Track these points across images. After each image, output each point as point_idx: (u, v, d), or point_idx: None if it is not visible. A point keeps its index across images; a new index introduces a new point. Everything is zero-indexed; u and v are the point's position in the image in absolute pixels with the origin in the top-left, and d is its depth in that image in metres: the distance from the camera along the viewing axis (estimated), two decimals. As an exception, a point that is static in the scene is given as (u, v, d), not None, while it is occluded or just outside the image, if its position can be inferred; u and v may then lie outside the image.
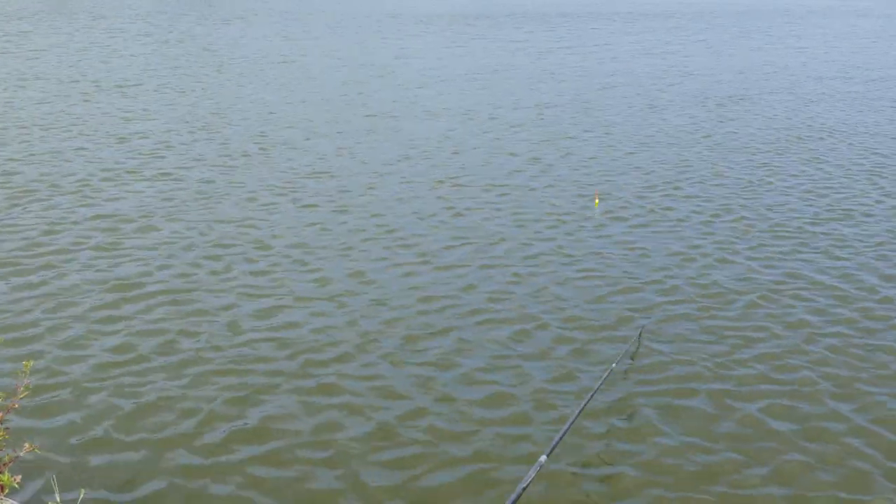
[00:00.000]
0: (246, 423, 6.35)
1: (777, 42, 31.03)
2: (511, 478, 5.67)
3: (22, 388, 5.16)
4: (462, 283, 8.89)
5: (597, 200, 11.20)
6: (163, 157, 13.65)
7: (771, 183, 12.72)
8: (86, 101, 18.04)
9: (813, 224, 10.88)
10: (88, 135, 15.03)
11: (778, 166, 13.62)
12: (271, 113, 17.29)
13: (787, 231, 10.60)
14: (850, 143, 15.24)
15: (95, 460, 5.88)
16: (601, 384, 6.25)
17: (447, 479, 5.75)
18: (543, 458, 5.14)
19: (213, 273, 9.07)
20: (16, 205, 11.18)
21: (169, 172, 12.79)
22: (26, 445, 4.98)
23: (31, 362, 5.39)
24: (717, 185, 12.55)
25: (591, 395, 6.00)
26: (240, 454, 5.99)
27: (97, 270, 9.07)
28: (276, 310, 8.20)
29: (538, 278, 9.04)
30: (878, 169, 13.58)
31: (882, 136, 15.91)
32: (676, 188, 12.36)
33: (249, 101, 18.41)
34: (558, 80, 21.94)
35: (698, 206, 11.58)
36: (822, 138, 15.61)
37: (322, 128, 16.01)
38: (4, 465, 4.95)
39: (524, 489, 4.91)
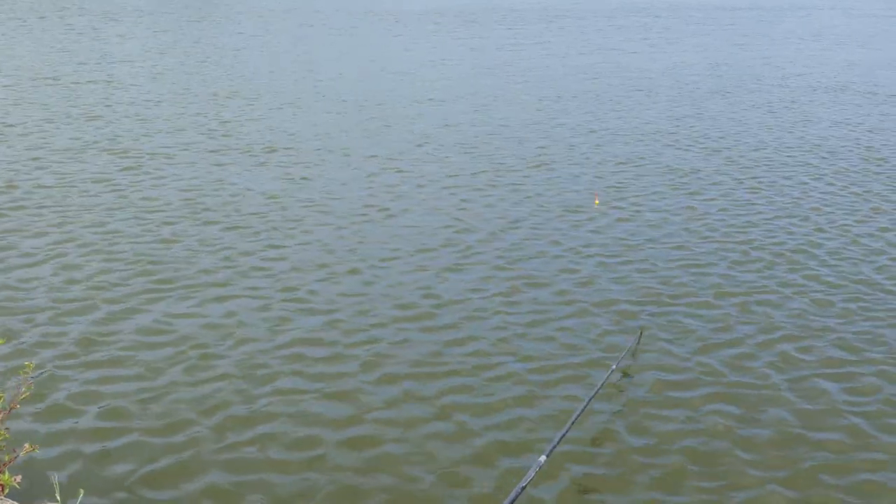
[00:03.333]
0: (251, 421, 6.37)
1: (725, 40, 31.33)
2: (509, 479, 5.74)
3: (24, 389, 5.16)
4: (454, 281, 8.94)
5: (597, 201, 11.20)
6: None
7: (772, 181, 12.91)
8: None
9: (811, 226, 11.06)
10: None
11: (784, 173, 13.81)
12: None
13: (786, 232, 10.81)
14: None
15: (95, 460, 5.88)
16: (602, 385, 6.32)
17: (443, 482, 5.81)
18: (543, 458, 5.21)
19: (216, 271, 9.08)
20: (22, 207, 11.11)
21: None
22: (26, 446, 4.97)
23: (33, 364, 5.38)
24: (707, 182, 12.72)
25: (593, 396, 6.07)
26: (243, 454, 6.01)
27: (97, 269, 9.03)
28: (298, 302, 8.23)
29: (534, 277, 9.13)
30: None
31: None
32: (672, 187, 12.51)
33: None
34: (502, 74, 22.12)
35: (695, 204, 11.77)
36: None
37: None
38: (4, 465, 4.95)
39: (523, 489, 4.99)
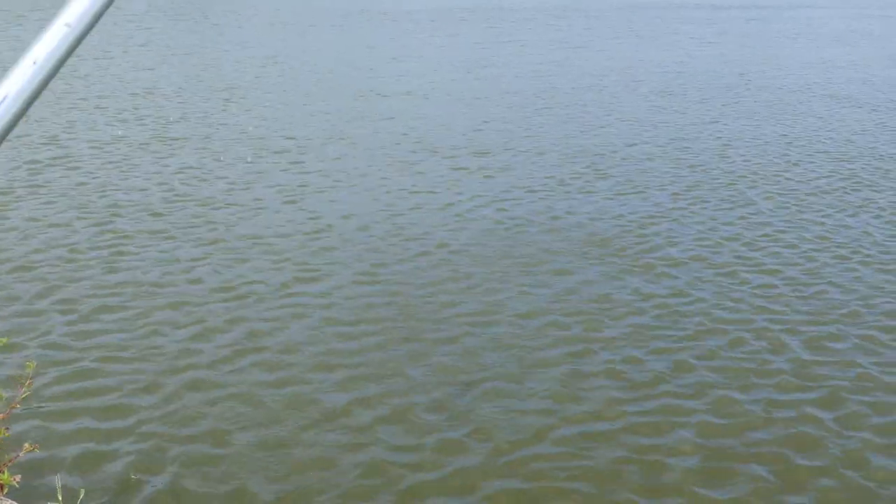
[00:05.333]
0: (247, 422, 6.36)
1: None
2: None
3: (24, 389, 5.16)
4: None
5: None
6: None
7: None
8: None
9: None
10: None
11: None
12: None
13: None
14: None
15: (96, 460, 5.87)
16: None
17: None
18: None
19: (207, 265, 9.08)
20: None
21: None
22: (26, 445, 4.99)
23: (34, 363, 5.38)
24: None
25: None
26: (241, 453, 6.01)
27: (100, 265, 9.03)
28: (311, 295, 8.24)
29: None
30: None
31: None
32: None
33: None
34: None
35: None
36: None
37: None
38: (4, 465, 4.95)
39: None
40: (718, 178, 13.01)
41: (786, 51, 28.49)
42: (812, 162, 14.10)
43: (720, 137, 15.76)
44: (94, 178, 12.17)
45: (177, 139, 14.64)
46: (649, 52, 27.12)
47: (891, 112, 18.33)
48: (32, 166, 12.61)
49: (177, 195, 11.54)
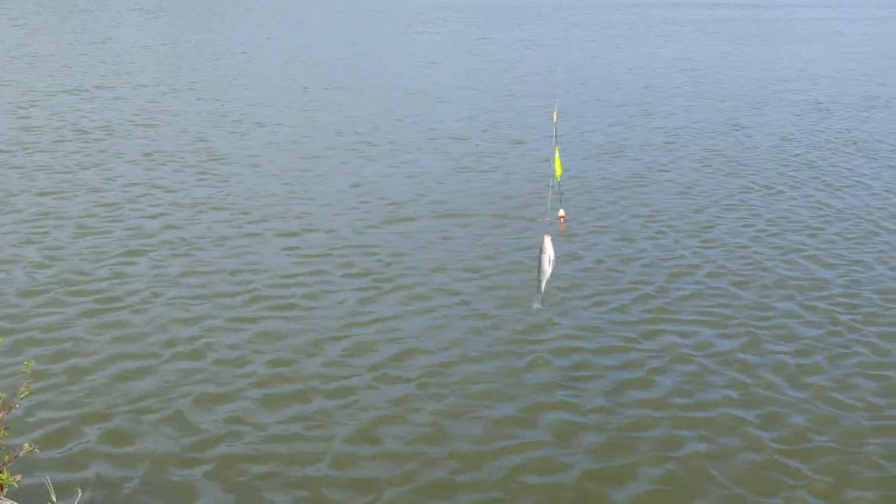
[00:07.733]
0: (242, 423, 6.39)
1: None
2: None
3: (23, 389, 5.14)
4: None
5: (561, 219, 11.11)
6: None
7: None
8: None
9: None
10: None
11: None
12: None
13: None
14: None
15: (94, 460, 5.87)
16: None
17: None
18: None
19: (200, 267, 9.10)
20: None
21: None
22: (25, 445, 4.96)
23: (33, 362, 5.36)
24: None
25: None
26: (237, 454, 6.04)
27: (96, 268, 9.01)
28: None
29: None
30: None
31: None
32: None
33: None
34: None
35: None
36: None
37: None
38: (4, 464, 4.94)
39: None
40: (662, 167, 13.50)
41: (747, 49, 28.81)
42: (752, 151, 14.63)
43: (663, 128, 16.25)
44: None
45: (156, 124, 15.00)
46: (611, 51, 27.31)
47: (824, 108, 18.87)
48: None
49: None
